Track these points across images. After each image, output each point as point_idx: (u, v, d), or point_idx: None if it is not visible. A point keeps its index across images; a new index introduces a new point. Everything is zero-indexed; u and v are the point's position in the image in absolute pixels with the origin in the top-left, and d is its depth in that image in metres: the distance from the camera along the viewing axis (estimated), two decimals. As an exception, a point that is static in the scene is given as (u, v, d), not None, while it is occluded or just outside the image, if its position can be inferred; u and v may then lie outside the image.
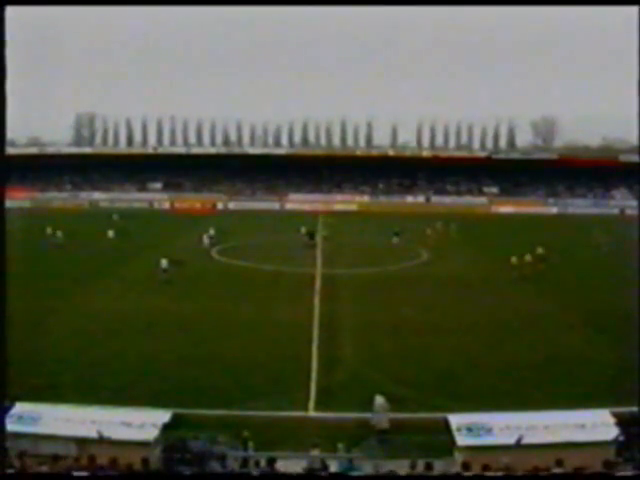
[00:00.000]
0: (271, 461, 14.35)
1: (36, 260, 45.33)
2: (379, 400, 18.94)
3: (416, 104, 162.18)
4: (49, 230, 55.97)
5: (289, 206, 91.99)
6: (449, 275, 42.70)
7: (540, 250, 46.06)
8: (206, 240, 54.31)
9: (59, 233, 55.18)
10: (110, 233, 56.76)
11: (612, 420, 15.18)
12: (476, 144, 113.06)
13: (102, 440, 14.28)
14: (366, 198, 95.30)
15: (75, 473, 12.14)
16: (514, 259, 43.87)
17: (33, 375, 22.29)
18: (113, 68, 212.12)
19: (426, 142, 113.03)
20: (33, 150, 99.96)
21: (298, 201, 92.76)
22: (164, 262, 40.85)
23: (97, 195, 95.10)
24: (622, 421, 15.25)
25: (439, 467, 14.36)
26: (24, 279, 36.42)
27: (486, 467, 12.86)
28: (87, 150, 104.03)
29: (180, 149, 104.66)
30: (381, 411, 18.77)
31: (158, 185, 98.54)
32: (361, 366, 24.83)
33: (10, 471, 11.58)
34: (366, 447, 16.24)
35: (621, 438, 14.63)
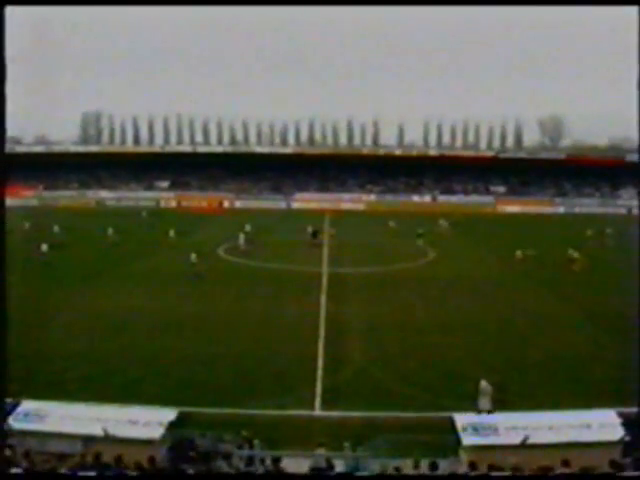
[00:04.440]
0: (277, 460, 14.35)
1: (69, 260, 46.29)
2: (484, 384, 19.94)
3: (423, 103, 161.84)
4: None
5: (296, 205, 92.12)
6: (455, 274, 42.68)
7: (575, 254, 46.05)
8: (242, 240, 53.12)
9: (110, 230, 56.39)
10: (171, 232, 57.06)
11: (618, 420, 15.12)
12: (483, 143, 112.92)
13: (108, 438, 14.31)
14: (373, 197, 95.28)
15: (81, 472, 12.16)
16: (519, 253, 47.38)
17: (40, 372, 22.39)
18: (119, 66, 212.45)
19: (433, 141, 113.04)
20: (40, 148, 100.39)
21: (304, 200, 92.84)
22: (193, 256, 42.31)
23: (104, 194, 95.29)
24: (628, 421, 15.19)
25: (444, 467, 14.33)
26: (33, 278, 36.90)
27: (492, 467, 12.84)
28: (94, 149, 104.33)
29: (187, 148, 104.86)
30: (486, 394, 19.73)
31: (165, 184, 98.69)
32: (367, 365, 24.82)
33: (16, 470, 11.61)
34: (372, 446, 16.22)
35: (627, 438, 14.57)
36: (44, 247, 46.61)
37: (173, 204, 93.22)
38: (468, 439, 14.68)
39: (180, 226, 60.78)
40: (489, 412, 18.88)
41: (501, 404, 19.26)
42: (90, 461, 13.17)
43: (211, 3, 12.88)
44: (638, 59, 9.51)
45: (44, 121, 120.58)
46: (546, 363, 25.05)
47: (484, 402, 19.69)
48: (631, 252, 46.55)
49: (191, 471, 13.39)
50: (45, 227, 58.85)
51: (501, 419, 15.54)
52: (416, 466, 14.31)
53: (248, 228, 57.63)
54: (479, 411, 19.15)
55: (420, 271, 44.71)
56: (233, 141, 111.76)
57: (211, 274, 41.41)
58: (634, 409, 16.26)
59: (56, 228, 58.18)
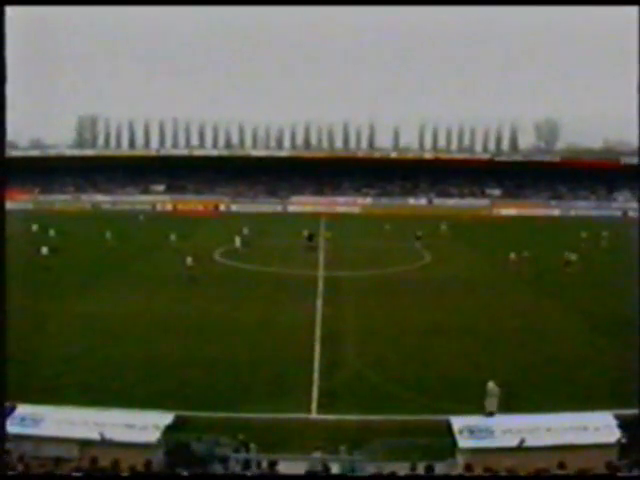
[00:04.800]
0: (273, 464, 14.34)
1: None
2: (491, 385, 19.95)
3: (418, 106, 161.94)
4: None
5: (291, 208, 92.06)
6: (451, 277, 42.70)
7: (572, 256, 46.20)
8: (238, 244, 53.31)
9: (108, 234, 56.71)
10: (172, 236, 57.46)
11: (614, 422, 15.14)
12: (478, 146, 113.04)
13: (104, 442, 14.27)
14: (368, 200, 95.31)
15: (77, 475, 12.13)
16: (512, 255, 46.81)
17: (36, 377, 22.33)
18: (115, 70, 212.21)
19: (428, 144, 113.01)
20: (35, 152, 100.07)
21: (300, 203, 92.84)
22: (189, 260, 42.20)
23: (100, 197, 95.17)
24: (624, 423, 15.20)
25: (441, 469, 14.33)
26: (32, 281, 36.79)
27: (488, 469, 12.84)
28: (89, 152, 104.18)
29: (182, 151, 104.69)
30: (493, 395, 19.73)
31: (161, 187, 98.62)
32: (363, 368, 24.80)
33: (12, 473, 11.58)
34: (368, 450, 16.21)
35: (623, 440, 14.58)
36: (44, 250, 46.76)
37: (169, 207, 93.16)
38: (464, 442, 14.68)
39: (179, 229, 60.85)
40: (492, 414, 18.85)
41: (504, 406, 19.23)
42: (86, 465, 13.14)
43: (209, 4, 12.88)
44: (638, 61, 9.37)
45: (39, 125, 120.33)
46: (542, 365, 25.06)
47: (491, 403, 19.67)
48: (627, 254, 46.66)
49: (187, 475, 13.37)
50: (41, 231, 58.76)
51: (497, 422, 15.55)
52: (412, 469, 14.29)
53: (245, 231, 57.64)
54: (487, 413, 19.07)
55: (416, 274, 44.72)
56: (229, 144, 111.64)
57: (207, 277, 41.38)
58: (631, 411, 16.28)
59: (52, 232, 58.10)
